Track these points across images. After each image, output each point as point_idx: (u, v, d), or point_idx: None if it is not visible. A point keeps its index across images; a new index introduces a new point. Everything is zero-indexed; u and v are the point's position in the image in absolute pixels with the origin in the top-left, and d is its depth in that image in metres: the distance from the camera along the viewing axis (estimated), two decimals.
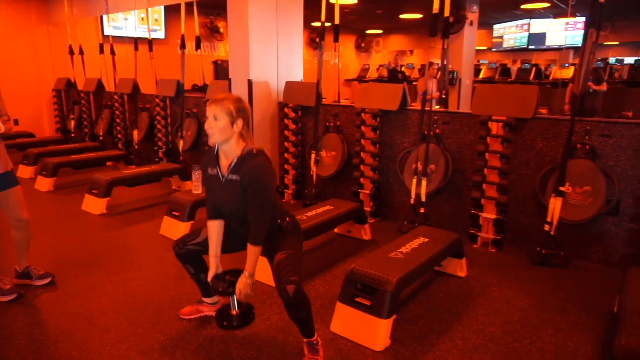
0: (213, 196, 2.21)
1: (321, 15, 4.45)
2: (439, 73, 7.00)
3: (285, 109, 4.87)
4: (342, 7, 4.39)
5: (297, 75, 5.21)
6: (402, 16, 11.23)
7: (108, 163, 6.04)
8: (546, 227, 3.31)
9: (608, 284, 3.07)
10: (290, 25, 5.02)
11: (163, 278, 3.10)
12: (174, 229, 3.81)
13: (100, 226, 4.12)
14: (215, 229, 2.24)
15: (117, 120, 6.98)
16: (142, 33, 7.20)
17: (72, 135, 7.77)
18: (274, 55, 4.95)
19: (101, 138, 7.17)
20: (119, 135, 7.01)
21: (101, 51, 7.11)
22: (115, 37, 7.27)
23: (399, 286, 2.37)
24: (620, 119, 5.06)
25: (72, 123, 7.71)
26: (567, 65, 10.59)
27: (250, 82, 4.76)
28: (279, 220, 2.17)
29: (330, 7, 4.36)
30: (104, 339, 2.41)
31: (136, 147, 6.62)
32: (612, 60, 14.07)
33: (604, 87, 6.60)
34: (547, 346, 2.38)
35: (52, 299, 2.81)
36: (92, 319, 2.60)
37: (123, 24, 8.79)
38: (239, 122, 2.03)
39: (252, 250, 2.09)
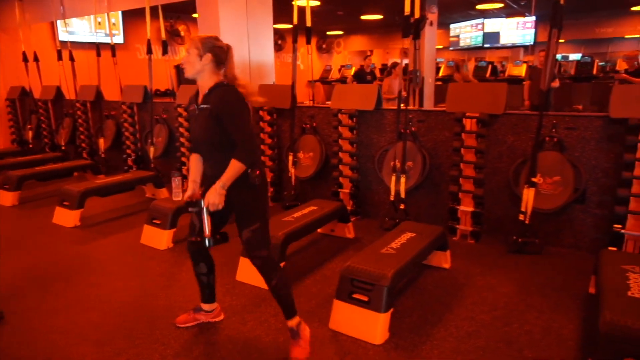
0: (191, 129, 2.39)
1: (293, 18, 4.51)
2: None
3: (260, 112, 4.87)
4: (305, 9, 4.46)
5: (270, 78, 5.22)
6: (363, 17, 11.43)
7: (75, 173, 5.81)
8: (521, 217, 3.50)
9: (580, 266, 3.28)
10: (260, 28, 5.03)
11: (151, 287, 3.05)
12: (156, 237, 3.74)
13: (75, 239, 3.99)
14: (194, 160, 2.37)
15: (81, 129, 6.74)
16: (99, 38, 6.97)
17: (30, 146, 7.42)
18: (246, 58, 4.94)
19: (63, 148, 6.89)
20: (83, 145, 6.77)
21: (59, 58, 6.84)
22: (73, 43, 7.02)
23: (394, 280, 2.45)
24: (582, 113, 5.39)
25: (30, 133, 7.37)
26: (519, 62, 11.11)
27: None
28: (249, 170, 2.16)
29: (291, 10, 4.44)
30: (100, 353, 2.35)
31: (102, 155, 6.41)
32: (558, 57, 14.87)
33: (557, 83, 6.98)
34: (534, 328, 2.53)
35: (36, 316, 2.71)
36: (84, 333, 2.53)
37: (79, 29, 8.48)
38: (207, 56, 2.16)
39: (233, 164, 2.12)
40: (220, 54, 2.18)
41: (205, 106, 2.18)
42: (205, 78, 2.19)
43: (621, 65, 7.69)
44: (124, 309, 2.78)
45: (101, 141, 6.36)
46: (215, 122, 2.14)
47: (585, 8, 11.44)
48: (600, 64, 11.00)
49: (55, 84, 6.98)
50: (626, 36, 13.36)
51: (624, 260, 2.62)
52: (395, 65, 7.03)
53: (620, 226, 3.25)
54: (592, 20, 12.58)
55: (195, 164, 2.36)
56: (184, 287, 3.08)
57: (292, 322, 2.31)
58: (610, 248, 3.22)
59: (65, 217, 4.31)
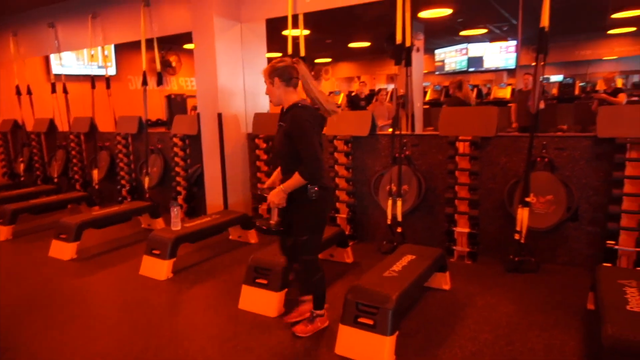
0: (273, 143, 2.76)
1: (285, 47, 4.65)
2: (388, 96, 7.34)
3: (256, 140, 4.95)
4: (296, 38, 4.61)
5: (264, 107, 5.32)
6: (351, 45, 11.72)
7: (69, 206, 5.79)
8: (516, 236, 3.57)
9: (577, 283, 3.34)
10: (255, 59, 5.16)
11: (154, 318, 3.04)
12: (156, 268, 3.73)
13: (73, 272, 3.96)
14: (276, 172, 2.75)
15: (74, 160, 6.74)
16: (91, 70, 7.05)
17: (22, 179, 7.38)
18: (241, 88, 5.04)
19: (56, 180, 6.87)
20: (76, 176, 6.76)
21: (53, 90, 6.90)
22: (67, 76, 7.09)
23: (399, 303, 2.49)
24: (571, 133, 5.55)
25: (22, 166, 7.34)
26: (504, 85, 11.43)
27: (220, 116, 4.82)
28: (308, 185, 2.44)
29: (285, 39, 4.59)
30: None
31: (96, 187, 6.41)
32: (540, 78, 15.29)
33: (542, 104, 7.20)
34: (536, 346, 2.57)
35: (39, 351, 2.68)
36: None
37: (73, 62, 8.57)
38: (276, 81, 2.47)
39: (295, 175, 2.44)
40: (284, 73, 2.46)
41: (282, 124, 2.51)
42: (285, 99, 2.51)
43: (601, 86, 7.99)
44: (130, 339, 2.76)
45: (95, 172, 6.36)
46: (289, 139, 2.44)
47: (565, 32, 11.88)
48: (581, 84, 11.35)
49: (48, 116, 7.01)
50: (604, 58, 13.85)
51: (620, 276, 2.70)
52: (379, 91, 7.19)
53: (613, 242, 3.34)
54: (571, 43, 13.05)
55: (276, 173, 2.75)
56: (188, 317, 3.07)
57: (317, 311, 2.74)
58: (604, 264, 3.29)
59: (62, 250, 4.28)
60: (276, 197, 2.49)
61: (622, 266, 3.32)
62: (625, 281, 2.59)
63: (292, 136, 2.42)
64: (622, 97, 6.51)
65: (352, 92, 11.93)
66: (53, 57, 7.83)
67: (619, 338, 2.04)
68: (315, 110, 2.50)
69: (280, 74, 2.46)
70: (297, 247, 2.62)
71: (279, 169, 2.70)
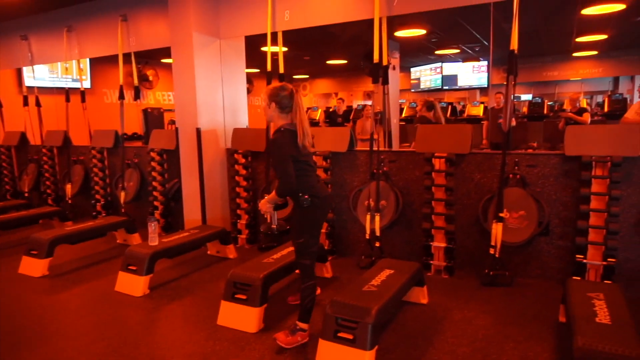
0: None
1: (263, 63, 4.71)
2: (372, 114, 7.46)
3: (235, 155, 4.95)
4: (274, 54, 4.69)
5: (243, 122, 5.34)
6: (329, 62, 11.89)
7: (40, 221, 5.63)
8: (491, 251, 3.67)
9: (549, 295, 3.45)
10: (234, 74, 5.19)
11: (130, 336, 2.98)
12: (132, 284, 3.67)
13: (45, 289, 3.84)
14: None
15: (46, 174, 6.58)
16: (65, 83, 6.94)
17: None
18: (220, 103, 5.06)
19: (26, 195, 6.68)
20: (49, 191, 6.59)
21: (25, 103, 6.75)
22: (40, 88, 6.96)
23: (378, 317, 2.52)
24: (541, 151, 5.74)
25: None
26: (477, 103, 11.78)
27: (198, 131, 4.81)
28: (300, 194, 2.67)
29: (263, 55, 4.65)
30: None
31: (69, 201, 6.26)
32: (511, 97, 15.82)
33: (514, 122, 7.46)
34: (512, 358, 2.63)
35: None
36: None
37: (46, 74, 8.41)
38: (272, 105, 2.68)
39: (272, 193, 2.76)
40: (282, 101, 2.66)
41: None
42: (275, 122, 2.74)
43: (567, 105, 8.37)
44: None
45: (68, 187, 6.22)
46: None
47: (533, 54, 12.38)
48: (549, 103, 11.80)
49: (20, 129, 6.84)
50: (570, 79, 14.46)
51: (588, 289, 2.80)
52: (364, 107, 7.33)
53: (582, 256, 3.47)
54: (539, 64, 13.59)
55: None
56: (164, 334, 3.03)
57: (300, 324, 2.80)
58: (574, 277, 3.42)
59: (33, 267, 4.15)
60: (263, 205, 2.83)
61: (591, 279, 3.45)
62: (594, 294, 2.70)
63: (270, 156, 2.64)
64: (587, 116, 6.84)
65: (330, 108, 12.08)
66: (25, 70, 7.68)
67: (589, 349, 2.12)
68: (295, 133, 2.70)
69: (278, 101, 2.67)
70: (295, 251, 2.89)
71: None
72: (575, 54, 12.42)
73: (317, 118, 10.25)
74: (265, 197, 2.85)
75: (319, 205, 2.77)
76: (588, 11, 6.86)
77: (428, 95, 15.95)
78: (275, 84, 2.76)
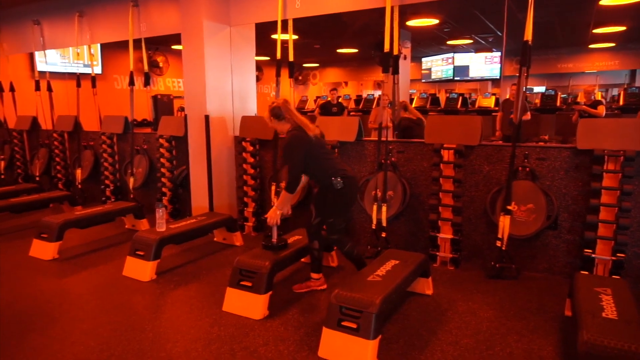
0: None
1: (273, 51, 4.68)
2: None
3: (243, 143, 4.95)
4: (284, 42, 4.66)
5: (252, 110, 5.33)
6: (339, 50, 11.80)
7: (51, 205, 5.70)
8: (498, 243, 3.64)
9: (555, 290, 3.43)
10: (243, 62, 5.17)
11: (137, 320, 3.02)
12: (139, 269, 3.71)
13: (55, 272, 3.90)
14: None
15: (57, 159, 6.64)
16: (77, 69, 6.98)
17: (2, 177, 7.24)
18: (229, 90, 5.05)
19: (37, 179, 6.76)
20: (59, 175, 6.66)
21: (37, 88, 6.81)
22: (52, 73, 7.00)
23: (382, 307, 2.52)
24: (552, 144, 5.67)
25: (2, 164, 7.21)
26: (488, 94, 11.63)
27: (207, 118, 4.81)
28: (332, 178, 3.04)
29: (273, 43, 4.63)
30: None
31: (79, 186, 6.33)
32: (524, 89, 15.59)
33: (528, 116, 7.35)
34: (515, 351, 2.63)
35: (19, 353, 2.64)
36: None
37: (58, 60, 8.46)
38: (271, 119, 3.17)
39: (283, 193, 3.12)
40: (277, 112, 3.12)
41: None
42: (280, 129, 3.21)
43: (582, 98, 8.21)
44: (110, 343, 2.73)
45: (78, 172, 6.28)
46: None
47: (548, 45, 12.16)
48: (563, 96, 11.61)
49: (31, 114, 6.91)
50: (585, 71, 14.20)
51: (596, 283, 2.78)
52: (381, 96, 7.29)
53: (590, 251, 3.43)
54: (554, 56, 13.36)
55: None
56: (171, 319, 3.06)
57: (313, 274, 3.38)
58: (582, 272, 3.38)
59: (43, 250, 4.22)
60: (272, 215, 3.13)
61: (599, 274, 3.41)
62: (601, 289, 2.67)
63: (283, 153, 3.14)
64: (602, 109, 6.68)
65: (319, 97, 12.03)
66: (37, 55, 7.72)
67: (594, 344, 2.10)
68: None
69: (274, 115, 3.14)
70: (327, 229, 3.22)
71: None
72: (591, 46, 12.18)
73: (306, 107, 10.09)
74: (274, 206, 3.12)
75: (350, 185, 3.13)
76: (607, 2, 6.71)
77: (439, 86, 15.83)
78: (269, 108, 3.18)
